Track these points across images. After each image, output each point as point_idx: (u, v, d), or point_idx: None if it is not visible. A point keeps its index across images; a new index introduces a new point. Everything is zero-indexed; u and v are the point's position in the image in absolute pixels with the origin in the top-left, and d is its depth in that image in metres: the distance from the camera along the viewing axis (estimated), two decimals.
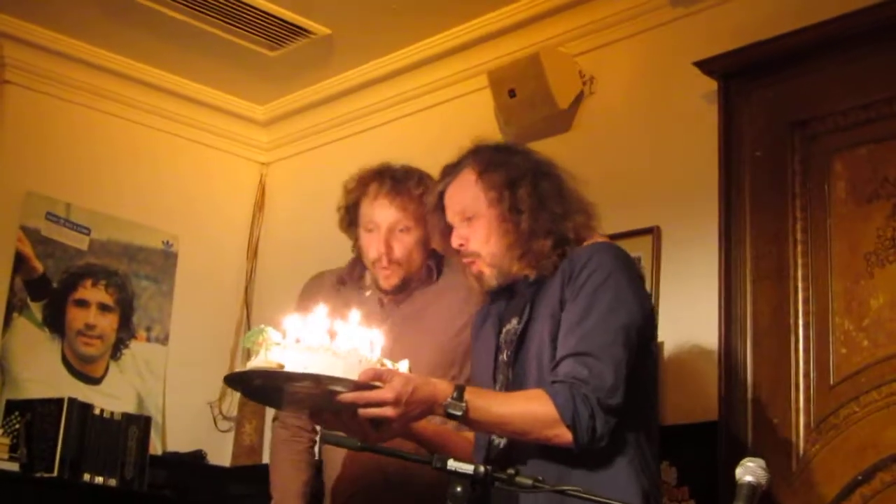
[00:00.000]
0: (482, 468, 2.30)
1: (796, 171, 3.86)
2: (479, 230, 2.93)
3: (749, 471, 2.09)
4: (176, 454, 5.53)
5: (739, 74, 4.07)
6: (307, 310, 3.38)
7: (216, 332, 5.90)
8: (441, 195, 3.03)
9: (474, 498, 2.63)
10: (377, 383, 2.58)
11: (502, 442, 2.83)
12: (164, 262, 5.83)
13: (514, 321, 2.92)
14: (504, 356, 2.92)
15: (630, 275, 2.84)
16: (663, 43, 4.49)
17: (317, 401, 2.67)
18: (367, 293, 3.46)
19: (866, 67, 3.76)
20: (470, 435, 2.99)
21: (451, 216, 2.99)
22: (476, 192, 2.95)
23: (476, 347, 3.10)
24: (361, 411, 2.59)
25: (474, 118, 5.09)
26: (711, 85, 4.15)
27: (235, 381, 2.83)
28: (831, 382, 3.60)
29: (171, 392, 5.70)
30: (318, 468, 3.52)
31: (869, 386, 3.52)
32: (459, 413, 2.59)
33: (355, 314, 2.72)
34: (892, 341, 3.52)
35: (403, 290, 3.43)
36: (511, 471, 2.33)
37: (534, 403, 2.65)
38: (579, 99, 4.68)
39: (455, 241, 2.97)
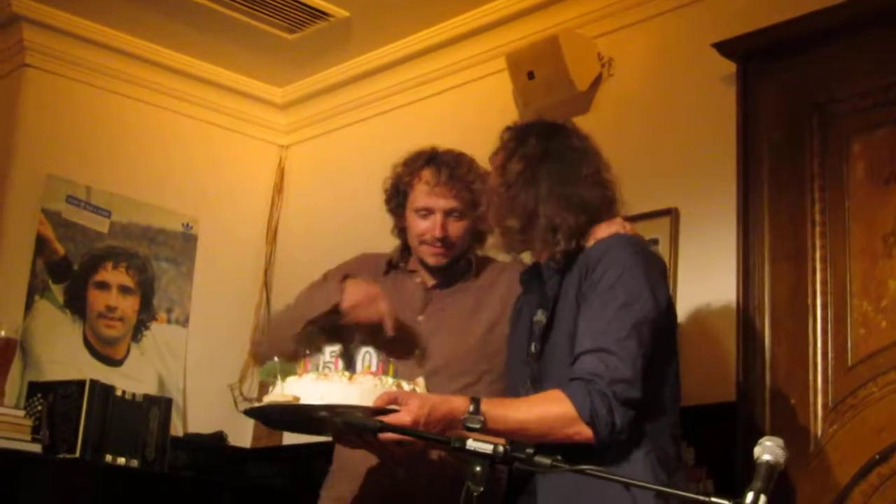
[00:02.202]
0: (501, 447, 2.31)
1: (815, 152, 3.85)
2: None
3: (767, 450, 2.09)
4: (197, 436, 5.57)
5: (758, 56, 4.06)
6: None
7: (236, 314, 5.92)
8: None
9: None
10: (394, 407, 2.65)
11: None
12: (183, 244, 5.85)
13: (540, 313, 2.96)
14: (533, 348, 2.96)
15: (646, 268, 2.84)
16: (682, 25, 4.48)
17: (338, 426, 2.72)
18: (417, 279, 3.51)
19: (885, 49, 3.74)
20: None
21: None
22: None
23: (512, 338, 3.14)
24: (381, 436, 2.63)
25: (493, 101, 5.09)
26: (730, 67, 4.14)
27: (255, 414, 2.91)
28: (849, 363, 3.60)
29: (192, 374, 5.73)
30: None
31: (887, 367, 3.52)
32: (478, 426, 2.61)
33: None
34: None
35: (448, 276, 3.51)
36: (530, 450, 2.34)
37: (551, 405, 2.69)
38: (598, 81, 4.68)
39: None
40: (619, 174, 3.07)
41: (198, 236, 5.90)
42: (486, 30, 5.19)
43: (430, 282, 3.52)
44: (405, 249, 3.60)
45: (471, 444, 2.34)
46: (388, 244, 3.66)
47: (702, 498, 2.13)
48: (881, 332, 3.56)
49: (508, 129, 3.16)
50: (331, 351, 2.76)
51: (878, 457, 3.48)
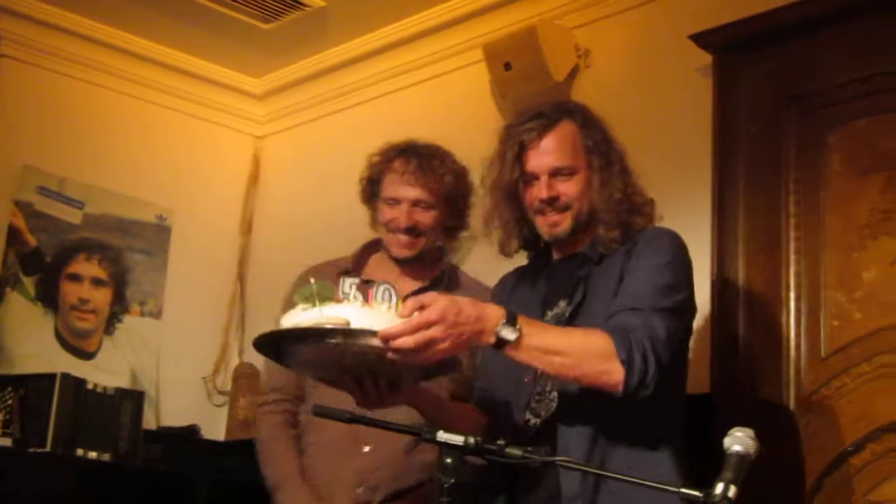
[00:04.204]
0: (472, 439, 2.30)
1: (791, 144, 3.85)
2: (575, 186, 2.94)
3: (738, 440, 2.09)
4: (170, 429, 5.54)
5: (735, 48, 4.06)
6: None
7: (210, 306, 5.90)
8: (524, 143, 2.97)
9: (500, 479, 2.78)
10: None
11: (538, 422, 2.83)
12: (157, 236, 5.82)
13: (563, 304, 2.91)
14: None
15: (689, 266, 2.88)
16: (659, 16, 4.47)
17: (345, 359, 2.59)
18: (381, 287, 3.48)
19: (861, 41, 3.74)
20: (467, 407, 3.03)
21: (540, 166, 2.95)
22: (578, 147, 2.96)
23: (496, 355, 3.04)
24: (402, 343, 2.44)
25: (470, 91, 5.09)
26: (707, 59, 4.13)
27: (278, 338, 2.62)
28: (823, 354, 3.60)
29: (165, 366, 5.70)
30: None
31: (860, 358, 3.53)
32: (512, 337, 2.52)
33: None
34: (884, 314, 3.52)
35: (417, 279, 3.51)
36: (501, 441, 2.33)
37: (591, 335, 2.63)
38: (575, 72, 4.67)
39: (545, 192, 2.93)
40: (501, 220, 3.11)
41: (172, 228, 5.87)
42: (463, 20, 5.17)
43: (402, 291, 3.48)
44: (365, 251, 3.60)
45: (442, 435, 2.34)
46: (364, 236, 3.64)
47: (672, 488, 2.13)
48: (855, 324, 3.57)
49: (572, 106, 3.10)
50: (350, 282, 2.57)
51: (851, 448, 3.48)
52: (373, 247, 3.64)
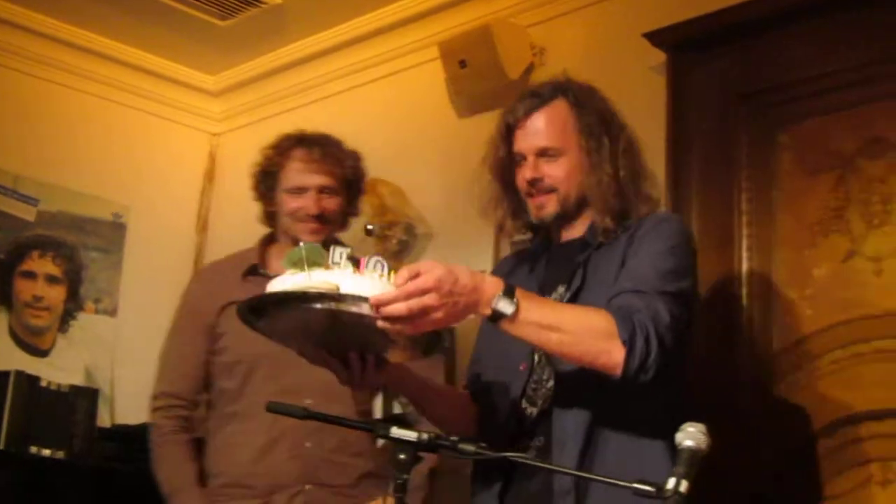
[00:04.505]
0: (425, 434, 2.30)
1: (743, 142, 3.87)
2: (561, 167, 2.82)
3: (689, 436, 2.10)
4: (125, 427, 5.50)
5: (688, 46, 4.08)
6: (191, 317, 3.47)
7: (166, 304, 5.77)
8: (513, 122, 2.88)
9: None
10: None
11: (534, 411, 2.74)
12: (112, 233, 5.80)
13: (561, 289, 2.79)
14: None
15: (694, 253, 2.77)
16: (613, 14, 4.49)
17: (334, 329, 2.47)
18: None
19: (813, 41, 3.77)
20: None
21: (527, 146, 2.85)
22: (567, 126, 2.83)
23: (490, 342, 2.93)
24: (394, 309, 2.31)
25: (425, 89, 5.10)
26: (660, 57, 4.16)
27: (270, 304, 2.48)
28: (775, 351, 3.63)
29: (120, 364, 5.67)
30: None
31: (812, 354, 3.56)
32: (510, 311, 2.40)
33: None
34: (834, 310, 3.55)
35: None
36: (454, 437, 2.33)
37: (592, 312, 2.51)
38: (530, 70, 4.68)
39: (529, 173, 2.83)
40: (494, 200, 3.04)
41: (127, 225, 5.85)
42: (418, 18, 5.18)
43: None
44: (266, 245, 3.62)
45: (395, 431, 2.33)
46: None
47: (623, 483, 2.13)
48: (806, 321, 3.60)
49: (568, 84, 2.92)
50: (340, 251, 2.44)
51: (805, 443, 3.51)
52: (268, 241, 3.66)
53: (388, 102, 5.30)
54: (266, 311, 2.50)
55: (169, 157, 6.09)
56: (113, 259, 5.78)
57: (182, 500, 3.42)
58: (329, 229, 3.52)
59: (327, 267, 2.40)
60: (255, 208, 5.72)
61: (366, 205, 4.79)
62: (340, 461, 3.43)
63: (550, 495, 2.61)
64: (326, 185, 3.50)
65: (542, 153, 2.82)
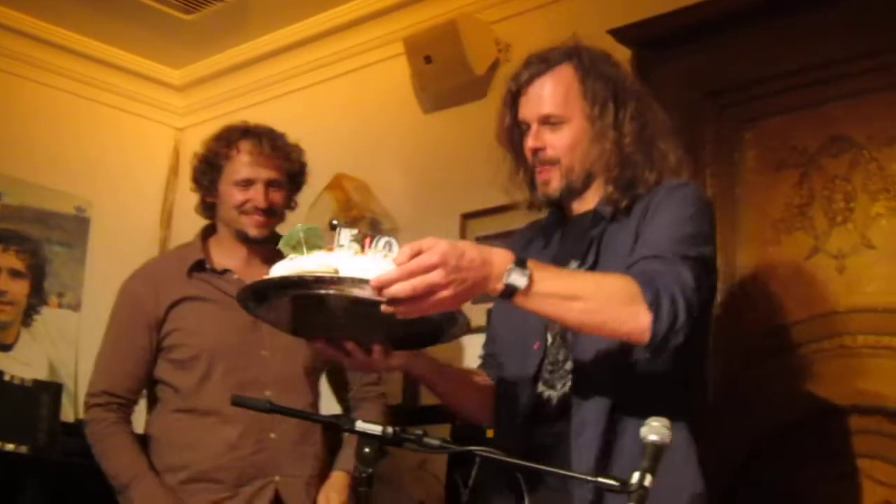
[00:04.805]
0: (390, 429, 2.29)
1: (708, 140, 3.90)
2: (565, 137, 2.66)
3: (653, 430, 2.10)
4: None
5: (653, 44, 4.09)
6: (134, 314, 3.48)
7: None
8: (517, 88, 2.74)
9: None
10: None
11: (553, 395, 2.60)
12: (76, 227, 5.76)
13: (574, 264, 2.63)
14: None
15: (713, 222, 2.62)
16: (579, 11, 4.50)
17: (336, 316, 2.32)
18: (234, 276, 3.47)
19: (778, 38, 3.79)
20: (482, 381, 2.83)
21: (531, 113, 2.70)
22: (573, 94, 2.68)
23: (505, 317, 2.80)
24: (397, 290, 2.13)
25: (390, 84, 5.10)
26: (625, 54, 4.15)
27: (260, 291, 2.34)
28: (739, 347, 3.65)
29: (84, 359, 5.62)
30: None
31: (776, 350, 3.59)
32: (523, 283, 2.20)
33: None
34: (798, 307, 3.58)
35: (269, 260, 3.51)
36: (419, 431, 2.32)
37: (610, 278, 2.36)
38: (495, 66, 4.68)
39: (532, 142, 2.69)
40: (511, 173, 2.90)
41: (91, 219, 5.81)
42: (384, 13, 5.17)
43: (256, 275, 3.45)
44: (206, 239, 3.60)
45: (360, 425, 2.33)
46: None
47: (588, 477, 2.15)
48: (770, 316, 3.62)
49: (578, 49, 2.74)
50: (349, 233, 2.26)
51: (769, 438, 3.54)
52: (208, 234, 3.64)
53: (353, 98, 5.29)
54: (266, 297, 2.34)
55: (133, 152, 6.05)
56: (76, 253, 5.75)
57: (143, 488, 3.38)
58: (274, 222, 3.52)
59: (329, 249, 2.24)
60: None
61: (331, 200, 4.80)
62: (305, 451, 3.43)
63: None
64: (275, 178, 3.49)
65: (545, 121, 2.68)
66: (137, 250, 5.85)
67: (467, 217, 4.60)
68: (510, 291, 2.22)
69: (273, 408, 2.74)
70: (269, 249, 3.44)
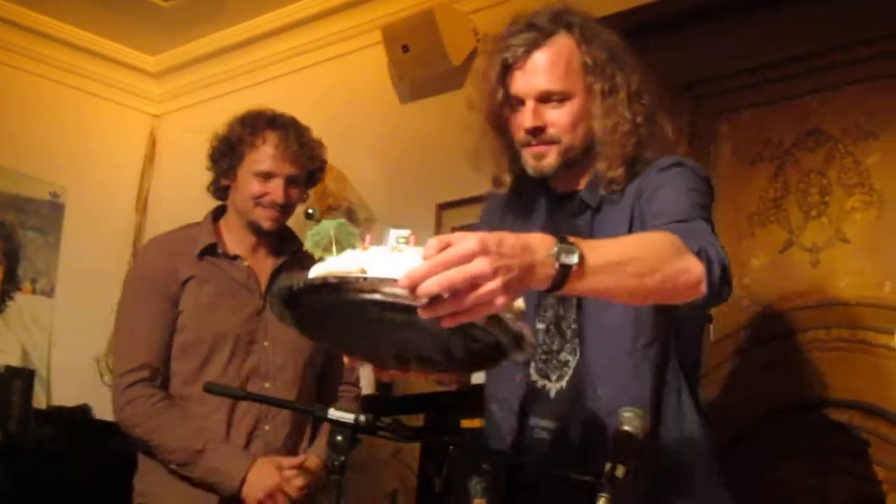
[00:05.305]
0: (363, 417, 2.29)
1: (683, 132, 3.89)
2: (567, 114, 2.45)
3: (626, 421, 2.10)
4: (61, 408, 5.46)
5: (629, 36, 4.05)
6: (157, 284, 3.38)
7: (104, 285, 5.78)
8: (508, 61, 2.48)
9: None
10: None
11: (550, 387, 2.47)
12: (51, 213, 5.74)
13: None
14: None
15: (713, 197, 2.46)
16: (556, 2, 4.49)
17: (373, 325, 1.91)
18: (245, 264, 3.45)
19: (754, 32, 3.80)
20: None
21: (527, 89, 2.46)
22: (572, 65, 2.47)
23: None
24: (434, 285, 1.68)
25: (368, 73, 5.09)
26: None
27: (288, 299, 1.93)
28: (712, 339, 3.66)
29: (57, 346, 5.63)
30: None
31: (750, 343, 3.59)
32: (574, 259, 1.80)
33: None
34: (772, 300, 3.60)
35: (278, 251, 3.48)
36: (392, 420, 2.31)
37: (651, 235, 2.09)
38: (473, 56, 4.66)
39: (531, 121, 2.45)
40: (490, 149, 2.73)
41: (66, 205, 5.79)
42: (362, 2, 5.16)
43: (263, 265, 3.46)
44: (216, 221, 3.53)
45: (333, 413, 2.33)
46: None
47: (558, 471, 2.15)
48: (743, 309, 3.64)
49: (572, 14, 2.55)
50: (398, 236, 1.86)
51: (742, 430, 3.54)
52: (219, 215, 3.57)
53: (330, 86, 5.28)
54: (297, 304, 1.93)
55: (109, 138, 6.03)
56: (50, 239, 5.73)
57: (224, 450, 3.26)
58: (285, 218, 3.46)
59: (364, 248, 1.85)
60: (195, 190, 5.67)
61: None
62: (298, 444, 3.41)
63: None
64: (295, 175, 3.41)
65: (545, 98, 2.45)
66: (112, 237, 5.86)
67: (443, 207, 4.60)
68: (563, 274, 1.82)
69: (245, 395, 2.74)
70: (276, 239, 3.47)
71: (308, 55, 5.43)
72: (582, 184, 2.51)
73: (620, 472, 2.04)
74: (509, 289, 1.72)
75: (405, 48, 4.70)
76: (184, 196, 5.83)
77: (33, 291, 5.62)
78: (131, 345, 3.37)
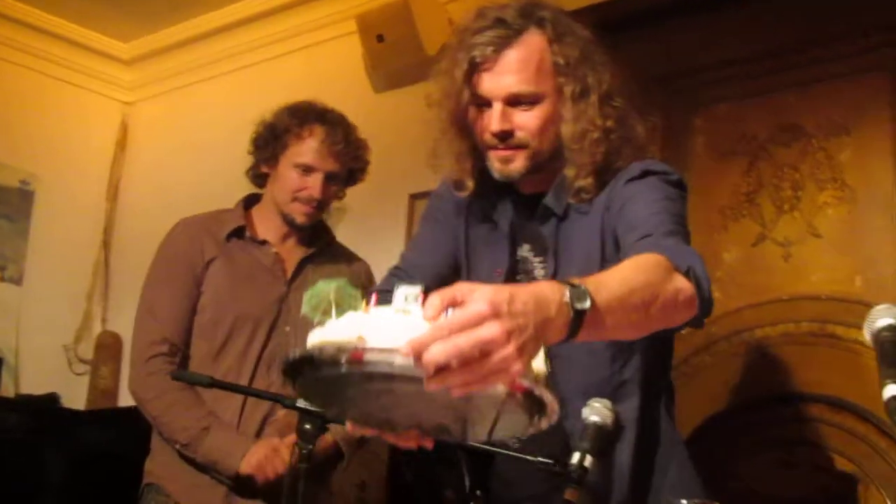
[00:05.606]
0: None
1: (657, 125, 3.89)
2: (536, 118, 2.33)
3: (595, 411, 2.10)
4: (29, 397, 5.43)
5: (604, 29, 4.05)
6: (181, 264, 3.38)
7: (73, 273, 5.80)
8: (475, 61, 2.33)
9: None
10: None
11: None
12: (20, 201, 5.70)
13: (536, 261, 2.42)
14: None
15: (686, 203, 2.37)
16: None
17: (378, 397, 1.70)
18: (272, 250, 3.43)
19: (730, 26, 3.81)
20: None
21: (495, 91, 2.33)
22: (543, 66, 2.34)
23: (473, 251, 2.50)
24: (440, 354, 1.47)
25: (342, 62, 5.07)
26: None
27: (293, 370, 1.70)
28: (683, 333, 3.65)
29: (25, 333, 5.59)
30: None
31: (720, 336, 3.60)
32: (587, 304, 1.65)
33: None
34: (743, 294, 3.61)
35: (307, 242, 3.48)
36: None
37: (641, 260, 1.93)
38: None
39: (498, 125, 2.33)
40: (451, 151, 2.53)
41: (35, 193, 5.75)
42: None
43: (292, 253, 3.45)
44: (248, 208, 3.52)
45: (302, 401, 2.32)
46: (229, 202, 3.59)
47: (529, 458, 2.14)
48: (715, 303, 3.60)
49: (541, 8, 2.39)
50: (407, 294, 1.62)
51: (711, 423, 3.56)
52: (251, 203, 3.55)
53: (303, 75, 5.26)
54: (298, 374, 1.71)
55: (80, 126, 5.99)
56: (20, 227, 5.69)
57: (221, 434, 3.22)
58: (320, 214, 3.46)
59: (365, 309, 1.62)
60: (167, 178, 5.70)
61: None
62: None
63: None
64: (335, 172, 3.40)
65: (514, 100, 2.33)
66: (82, 225, 5.83)
67: (416, 197, 4.59)
68: (579, 321, 1.67)
69: (213, 382, 2.73)
70: (308, 231, 3.46)
71: (282, 44, 5.41)
72: (550, 186, 2.40)
73: (589, 461, 2.04)
74: (524, 351, 1.55)
75: (380, 38, 4.69)
76: (155, 184, 5.83)
77: (2, 279, 5.59)
78: (153, 319, 3.37)
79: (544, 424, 1.71)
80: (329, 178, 3.38)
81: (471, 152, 2.43)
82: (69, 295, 5.74)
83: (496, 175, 2.38)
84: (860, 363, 3.33)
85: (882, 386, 1.67)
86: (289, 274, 3.42)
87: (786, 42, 3.68)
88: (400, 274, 2.53)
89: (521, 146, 2.34)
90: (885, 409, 1.66)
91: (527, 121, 2.33)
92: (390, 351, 1.52)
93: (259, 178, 3.52)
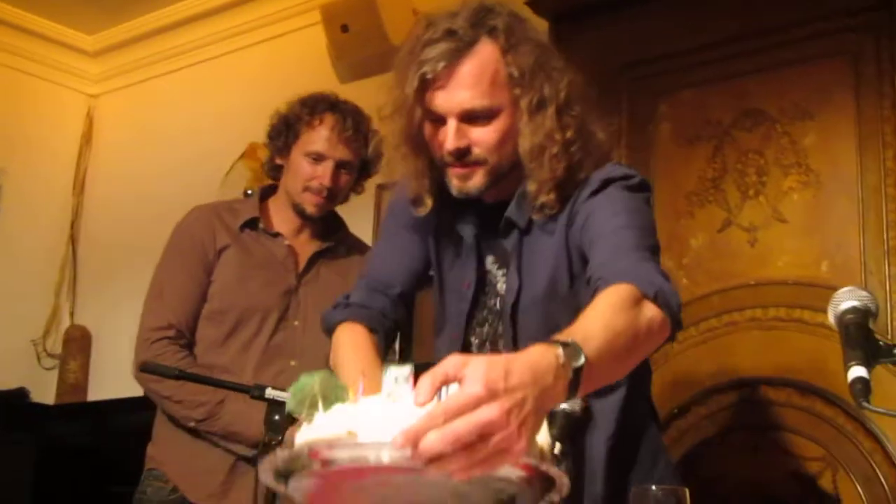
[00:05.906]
0: None
1: (623, 111, 3.92)
2: (492, 132, 2.24)
3: None
4: None
5: (570, 16, 4.09)
6: (193, 250, 3.36)
7: (41, 267, 5.77)
8: (426, 76, 2.22)
9: None
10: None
11: (479, 344, 2.37)
12: None
13: (499, 273, 2.36)
14: (494, 302, 2.36)
15: (652, 208, 2.33)
16: None
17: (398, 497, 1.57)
18: (285, 242, 3.42)
19: (693, 13, 3.83)
20: None
21: (448, 106, 2.22)
22: (498, 78, 2.23)
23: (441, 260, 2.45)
24: (437, 444, 1.41)
25: (307, 53, 5.07)
26: (542, 25, 4.15)
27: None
28: None
29: None
30: None
31: (687, 322, 3.56)
32: (582, 360, 1.62)
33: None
34: (710, 279, 3.62)
35: (319, 234, 3.46)
36: None
37: (611, 295, 1.90)
38: None
39: (453, 143, 2.23)
40: (406, 169, 2.45)
41: (2, 186, 5.72)
42: None
43: (305, 247, 3.44)
44: (264, 203, 3.49)
45: (270, 392, 2.32)
46: (199, 198, 3.58)
47: None
48: (682, 289, 3.63)
49: (493, 13, 2.28)
50: (397, 376, 1.54)
51: (676, 410, 3.57)
52: (268, 193, 3.54)
53: (268, 66, 5.25)
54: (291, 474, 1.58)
55: (45, 119, 5.95)
56: None
57: (239, 403, 3.12)
58: (332, 205, 3.43)
59: (354, 400, 1.58)
60: (134, 171, 5.68)
61: (245, 169, 4.76)
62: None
63: None
64: (347, 160, 3.37)
65: (469, 116, 2.23)
66: (49, 217, 5.81)
67: (383, 188, 4.58)
68: (577, 379, 1.63)
69: (180, 374, 2.72)
70: (322, 224, 3.45)
71: (247, 35, 5.40)
72: (512, 194, 2.32)
73: (558, 448, 2.05)
74: (526, 428, 1.47)
75: (344, 28, 4.69)
76: (122, 177, 5.81)
77: None
78: (160, 304, 3.36)
79: (556, 499, 1.61)
80: (340, 167, 3.36)
81: (428, 168, 2.35)
82: (37, 289, 5.71)
83: (454, 192, 2.30)
84: (827, 347, 3.35)
85: (846, 368, 1.69)
86: (300, 267, 3.41)
87: (749, 27, 3.70)
88: (375, 285, 2.47)
89: (478, 162, 2.25)
90: (849, 390, 1.68)
91: (483, 136, 2.24)
92: (382, 445, 1.44)
93: (274, 170, 3.50)
